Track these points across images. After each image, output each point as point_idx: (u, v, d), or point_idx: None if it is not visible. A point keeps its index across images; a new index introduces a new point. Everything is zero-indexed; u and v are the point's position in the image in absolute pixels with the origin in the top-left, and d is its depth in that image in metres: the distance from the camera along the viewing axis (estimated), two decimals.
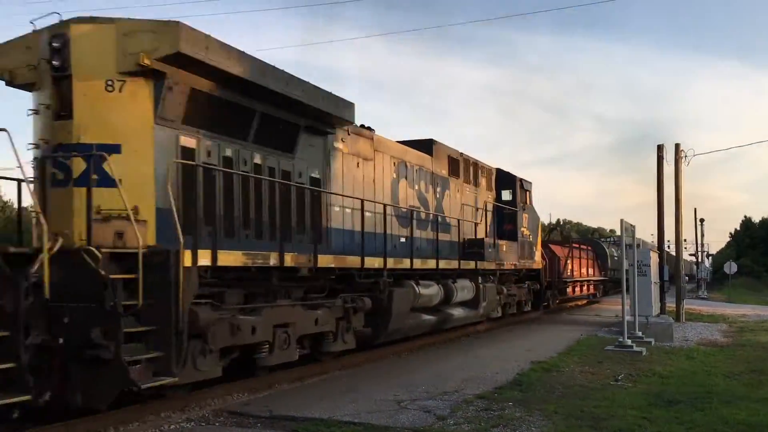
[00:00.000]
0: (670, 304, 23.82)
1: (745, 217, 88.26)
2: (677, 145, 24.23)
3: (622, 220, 16.47)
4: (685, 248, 52.83)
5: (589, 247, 34.05)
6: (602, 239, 42.29)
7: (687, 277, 47.77)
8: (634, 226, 17.64)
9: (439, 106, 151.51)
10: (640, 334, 16.10)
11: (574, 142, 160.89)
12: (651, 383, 10.50)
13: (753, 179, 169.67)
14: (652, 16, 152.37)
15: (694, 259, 65.25)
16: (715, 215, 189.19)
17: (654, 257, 20.87)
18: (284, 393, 9.50)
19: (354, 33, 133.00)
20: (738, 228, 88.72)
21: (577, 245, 31.85)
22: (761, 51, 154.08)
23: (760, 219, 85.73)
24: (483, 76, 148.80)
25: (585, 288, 32.02)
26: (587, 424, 7.56)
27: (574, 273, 29.15)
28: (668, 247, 39.92)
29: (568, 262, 27.48)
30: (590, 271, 32.69)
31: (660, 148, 23.83)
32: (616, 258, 34.95)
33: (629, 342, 14.63)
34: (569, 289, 29.14)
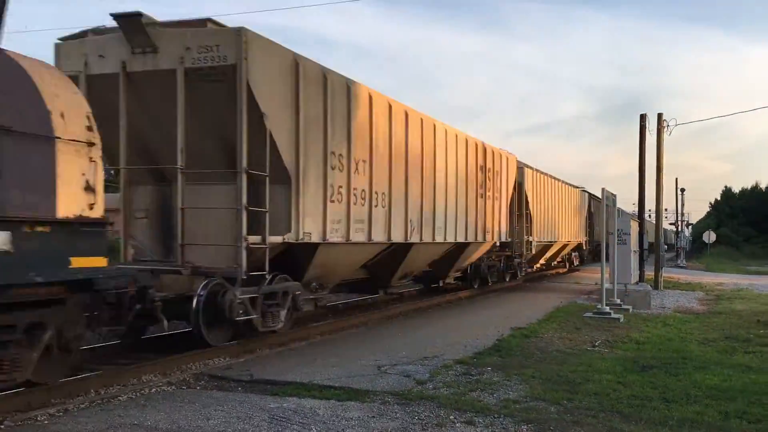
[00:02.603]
0: (649, 273, 24.13)
1: (726, 187, 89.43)
2: (659, 115, 24.35)
3: (603, 189, 16.59)
4: (666, 217, 53.47)
5: None
6: None
7: (666, 246, 48.33)
8: (615, 195, 17.76)
9: (427, 73, 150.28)
10: (618, 301, 16.32)
11: (560, 111, 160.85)
12: (627, 349, 10.67)
13: (735, 150, 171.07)
14: None
15: (674, 228, 65.95)
16: (697, 185, 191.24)
17: (634, 226, 21.06)
18: (265, 358, 9.56)
19: None
20: (718, 198, 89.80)
21: None
22: (745, 22, 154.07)
23: (740, 189, 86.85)
24: (472, 43, 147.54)
25: None
26: (564, 388, 7.70)
27: None
28: (649, 216, 40.39)
29: None
30: None
31: (643, 117, 23.93)
32: None
33: (607, 309, 14.83)
34: None
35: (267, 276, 10.08)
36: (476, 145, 18.10)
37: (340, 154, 11.58)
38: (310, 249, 11.07)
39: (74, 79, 8.67)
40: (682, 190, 60.07)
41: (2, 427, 6.11)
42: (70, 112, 6.72)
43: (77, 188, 6.72)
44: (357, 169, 12.09)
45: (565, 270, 34.14)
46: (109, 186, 9.50)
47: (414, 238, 14.38)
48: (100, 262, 6.95)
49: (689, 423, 6.47)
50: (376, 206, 12.76)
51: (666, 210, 51.98)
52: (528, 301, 18.42)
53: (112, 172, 10.73)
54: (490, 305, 17.03)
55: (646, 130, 23.86)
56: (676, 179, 59.93)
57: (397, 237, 13.68)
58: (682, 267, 44.98)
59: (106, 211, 7.20)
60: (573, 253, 34.57)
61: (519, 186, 22.77)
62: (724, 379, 8.40)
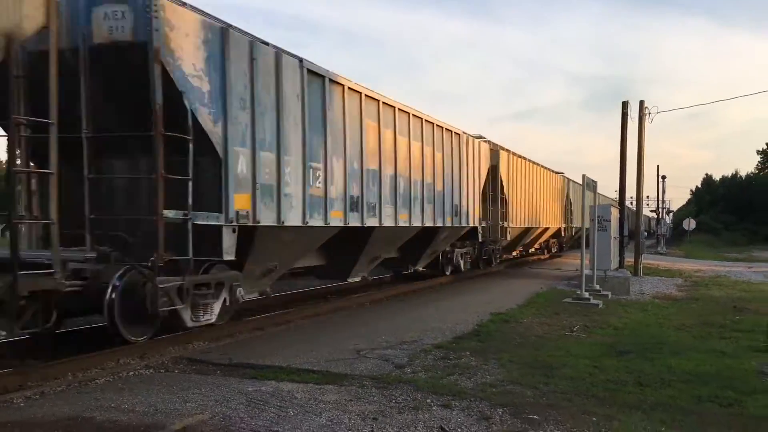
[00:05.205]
0: (629, 259, 24.35)
1: (707, 174, 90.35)
2: (641, 102, 24.55)
3: (584, 176, 16.67)
4: (647, 204, 53.91)
5: None
6: None
7: (646, 233, 48.71)
8: (596, 182, 17.87)
9: (411, 58, 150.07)
10: (597, 287, 16.47)
11: (545, 98, 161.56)
12: (605, 334, 10.79)
13: (716, 138, 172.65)
14: None
15: (654, 215, 66.48)
16: (678, 173, 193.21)
17: (615, 213, 21.22)
18: (245, 342, 9.57)
19: None
20: (699, 185, 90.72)
21: None
22: (729, 8, 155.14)
23: (721, 177, 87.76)
24: (458, 28, 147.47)
25: None
26: (540, 372, 7.77)
27: None
28: (630, 203, 40.67)
29: None
30: None
31: (625, 104, 24.08)
32: None
33: (587, 295, 14.97)
34: None
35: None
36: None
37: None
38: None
39: None
40: (663, 177, 60.44)
41: None
42: None
43: None
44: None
45: (546, 256, 34.31)
46: None
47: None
48: None
49: (662, 406, 6.56)
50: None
51: (647, 197, 52.44)
52: (508, 287, 18.54)
53: None
54: (470, 291, 17.12)
55: (628, 117, 24.02)
56: (658, 166, 60.50)
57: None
58: (662, 254, 45.35)
59: None
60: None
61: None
62: (698, 363, 8.52)
